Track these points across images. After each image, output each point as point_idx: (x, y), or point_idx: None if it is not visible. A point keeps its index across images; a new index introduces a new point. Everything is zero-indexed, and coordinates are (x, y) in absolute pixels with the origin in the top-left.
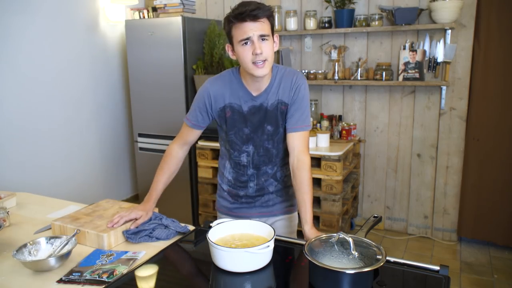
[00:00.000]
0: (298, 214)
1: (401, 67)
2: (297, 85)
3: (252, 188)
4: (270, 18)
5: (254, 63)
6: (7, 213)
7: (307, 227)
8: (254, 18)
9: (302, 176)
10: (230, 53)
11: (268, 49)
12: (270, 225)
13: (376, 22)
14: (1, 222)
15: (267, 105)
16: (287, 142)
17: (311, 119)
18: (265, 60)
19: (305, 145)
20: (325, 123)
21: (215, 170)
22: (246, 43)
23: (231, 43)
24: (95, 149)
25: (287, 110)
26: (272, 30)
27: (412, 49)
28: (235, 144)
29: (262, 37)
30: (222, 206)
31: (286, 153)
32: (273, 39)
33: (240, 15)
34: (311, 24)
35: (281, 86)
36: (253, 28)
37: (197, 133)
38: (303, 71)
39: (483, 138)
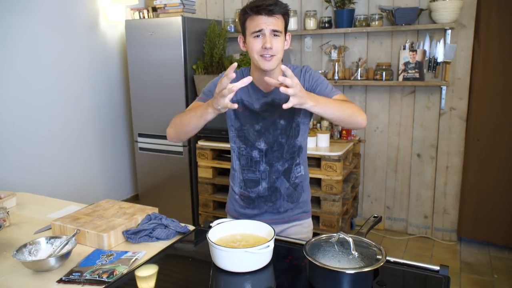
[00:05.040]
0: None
1: (401, 67)
2: (307, 73)
3: (263, 187)
4: (285, 16)
5: (262, 56)
6: (7, 213)
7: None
8: (269, 12)
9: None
10: (241, 44)
11: (278, 45)
12: (270, 227)
13: (376, 22)
14: (1, 222)
15: (280, 100)
16: None
17: (312, 121)
18: (273, 55)
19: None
20: (325, 123)
21: (215, 170)
22: (257, 36)
23: (244, 34)
24: (95, 149)
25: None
26: (286, 28)
27: (412, 49)
28: (247, 140)
29: (274, 33)
30: (233, 210)
31: (297, 151)
32: (285, 37)
33: (256, 7)
34: (311, 24)
35: None
36: (267, 22)
37: None
38: None
39: (483, 138)
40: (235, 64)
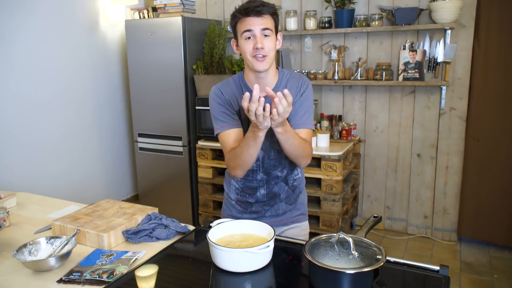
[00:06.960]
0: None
1: (401, 67)
2: (304, 86)
3: (262, 194)
4: (274, 16)
5: (254, 56)
6: (7, 213)
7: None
8: (258, 13)
9: None
10: (234, 48)
11: (269, 45)
12: (270, 227)
13: (376, 22)
14: (1, 222)
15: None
16: None
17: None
18: (265, 56)
19: (310, 141)
20: (325, 123)
21: (215, 170)
22: (249, 37)
23: (236, 37)
24: (95, 149)
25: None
26: (276, 28)
27: (412, 49)
28: None
29: (265, 32)
30: (229, 215)
31: None
32: (276, 37)
33: (244, 10)
34: (311, 24)
35: (287, 87)
36: (256, 23)
37: (237, 132)
38: (303, 71)
39: (483, 138)
40: (247, 94)
